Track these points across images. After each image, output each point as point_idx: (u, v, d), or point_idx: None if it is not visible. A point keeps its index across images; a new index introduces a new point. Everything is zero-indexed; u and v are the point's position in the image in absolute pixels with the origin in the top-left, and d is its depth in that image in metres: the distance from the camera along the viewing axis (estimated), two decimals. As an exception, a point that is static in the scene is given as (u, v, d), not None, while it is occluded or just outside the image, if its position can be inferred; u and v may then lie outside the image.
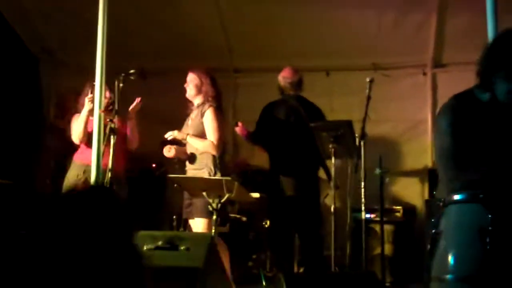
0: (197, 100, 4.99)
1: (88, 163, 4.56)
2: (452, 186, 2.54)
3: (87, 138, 4.87)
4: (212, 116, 4.85)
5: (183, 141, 4.89)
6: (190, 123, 4.98)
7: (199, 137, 4.85)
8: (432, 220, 4.33)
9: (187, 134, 4.85)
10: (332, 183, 4.58)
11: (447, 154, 2.59)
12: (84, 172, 4.86)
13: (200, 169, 4.81)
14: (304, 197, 4.68)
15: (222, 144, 4.92)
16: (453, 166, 2.58)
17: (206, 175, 4.72)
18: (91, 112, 4.60)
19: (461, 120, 2.57)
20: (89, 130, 4.72)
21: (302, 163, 5.08)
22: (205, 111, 4.87)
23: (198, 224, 4.74)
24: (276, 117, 5.33)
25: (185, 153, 4.95)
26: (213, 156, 4.82)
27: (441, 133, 2.63)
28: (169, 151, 4.81)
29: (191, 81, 5.00)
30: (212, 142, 4.82)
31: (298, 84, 5.46)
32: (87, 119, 4.88)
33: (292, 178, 5.08)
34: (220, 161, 4.87)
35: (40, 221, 1.48)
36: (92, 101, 4.51)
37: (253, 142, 5.65)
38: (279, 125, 5.27)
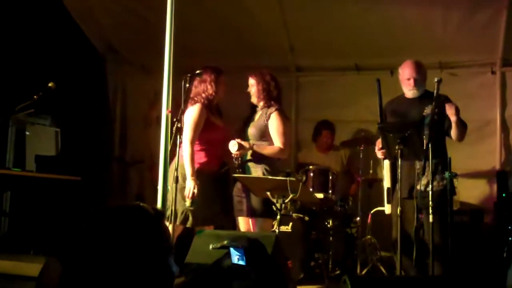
0: (260, 103, 4.96)
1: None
2: None
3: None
4: (278, 120, 4.83)
5: (248, 150, 4.81)
6: (252, 123, 4.95)
7: (264, 143, 4.83)
8: (509, 227, 4.20)
9: (253, 144, 4.80)
10: (398, 185, 4.47)
11: None
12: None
13: (257, 165, 4.80)
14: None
15: (289, 148, 4.88)
16: None
17: (260, 174, 4.71)
18: None
19: None
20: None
21: None
22: (270, 114, 4.84)
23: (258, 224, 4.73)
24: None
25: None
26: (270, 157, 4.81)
27: None
28: (234, 146, 4.70)
29: (253, 86, 4.96)
30: (280, 147, 4.80)
31: None
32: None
33: None
34: (273, 161, 4.87)
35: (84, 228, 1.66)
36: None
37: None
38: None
